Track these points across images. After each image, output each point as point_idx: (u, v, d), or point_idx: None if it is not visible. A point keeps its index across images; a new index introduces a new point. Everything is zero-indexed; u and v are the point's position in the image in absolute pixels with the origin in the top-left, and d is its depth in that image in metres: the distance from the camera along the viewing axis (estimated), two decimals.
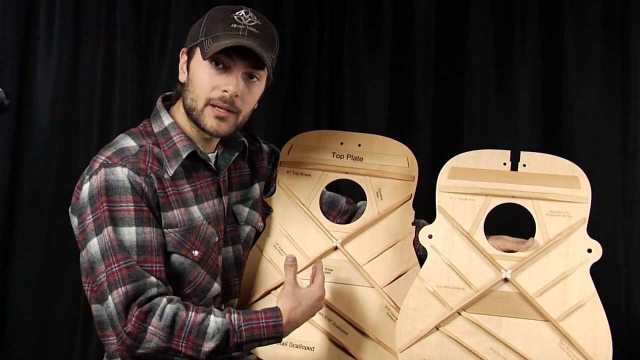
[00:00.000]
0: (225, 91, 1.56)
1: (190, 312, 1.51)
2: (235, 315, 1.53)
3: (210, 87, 1.57)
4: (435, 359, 1.61)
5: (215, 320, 1.51)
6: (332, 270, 1.76)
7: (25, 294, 2.56)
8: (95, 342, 2.56)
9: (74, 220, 1.62)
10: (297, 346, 1.74)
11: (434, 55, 2.68)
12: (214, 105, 1.57)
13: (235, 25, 1.55)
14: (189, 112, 1.61)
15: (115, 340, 1.57)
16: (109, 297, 1.50)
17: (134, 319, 1.48)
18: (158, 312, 1.49)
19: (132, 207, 1.52)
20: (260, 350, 1.73)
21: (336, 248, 1.77)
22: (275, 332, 1.54)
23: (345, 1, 2.70)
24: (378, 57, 2.69)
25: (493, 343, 1.60)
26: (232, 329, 1.51)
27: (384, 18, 2.68)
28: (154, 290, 1.50)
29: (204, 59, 1.55)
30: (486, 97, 2.63)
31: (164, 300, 1.50)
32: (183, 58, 1.64)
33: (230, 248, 1.73)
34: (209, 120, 1.58)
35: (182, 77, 1.63)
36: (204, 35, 1.56)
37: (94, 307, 1.64)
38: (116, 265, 1.50)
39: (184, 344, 1.49)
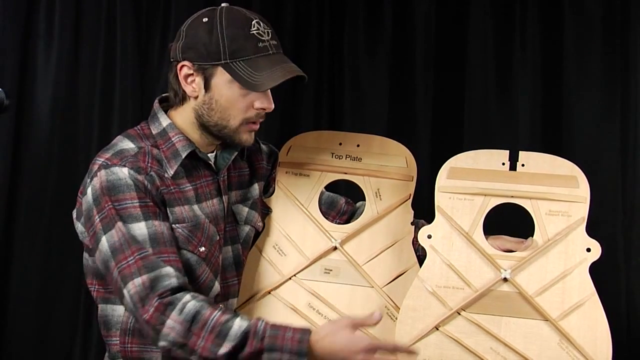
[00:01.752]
0: (263, 109, 1.59)
1: (215, 312, 1.45)
2: (264, 323, 1.44)
3: (245, 107, 1.58)
4: (435, 359, 1.61)
5: (240, 324, 1.43)
6: (331, 270, 1.76)
7: (26, 293, 2.56)
8: (95, 342, 2.56)
9: (79, 227, 1.60)
10: None
11: (434, 55, 2.68)
12: (250, 123, 1.61)
13: (261, 44, 1.55)
14: (214, 129, 1.61)
15: (118, 341, 1.57)
16: (124, 290, 1.47)
17: (152, 309, 1.45)
18: (179, 306, 1.45)
19: (137, 204, 1.51)
20: None
21: (335, 248, 1.77)
22: (300, 348, 1.42)
23: (345, 1, 2.70)
24: (378, 57, 2.69)
25: (493, 343, 1.60)
26: (253, 331, 1.43)
27: (384, 18, 2.68)
28: (173, 282, 1.47)
29: (256, 90, 1.54)
30: (486, 97, 2.63)
31: (187, 296, 1.46)
32: (183, 71, 1.58)
33: (229, 248, 1.72)
34: (245, 135, 1.62)
35: (192, 91, 1.59)
36: (230, 58, 1.53)
37: (101, 308, 1.63)
38: (131, 258, 1.48)
39: (202, 344, 1.43)
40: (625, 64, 2.55)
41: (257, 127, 1.63)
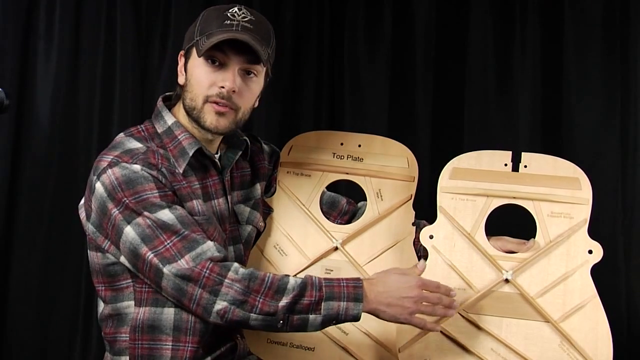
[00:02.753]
0: (222, 87, 1.56)
1: (268, 273, 1.49)
2: (317, 277, 1.50)
3: (207, 84, 1.57)
4: (436, 359, 1.61)
5: (295, 279, 1.49)
6: (332, 270, 1.76)
7: (25, 293, 2.56)
8: (95, 342, 2.56)
9: (90, 227, 1.59)
10: (298, 346, 1.74)
11: (434, 55, 2.68)
12: (212, 102, 1.58)
13: (228, 21, 1.56)
14: (189, 112, 1.61)
15: (128, 338, 1.58)
16: (166, 269, 1.47)
17: (207, 271, 1.46)
18: (233, 268, 1.47)
19: (157, 194, 1.51)
20: (260, 350, 1.74)
21: (336, 248, 1.77)
22: (356, 294, 1.48)
23: (345, 1, 2.70)
24: (378, 57, 2.69)
25: (494, 343, 1.60)
26: (310, 282, 1.48)
27: (384, 18, 2.67)
28: (218, 253, 1.49)
29: (199, 56, 1.55)
30: (486, 97, 2.63)
31: (236, 264, 1.49)
32: (181, 61, 1.64)
33: (231, 248, 1.72)
34: (209, 116, 1.59)
35: (181, 79, 1.64)
36: (199, 35, 1.57)
37: (111, 306, 1.62)
38: (169, 241, 1.48)
39: (261, 299, 1.46)
40: (625, 64, 2.55)
41: (221, 109, 1.58)
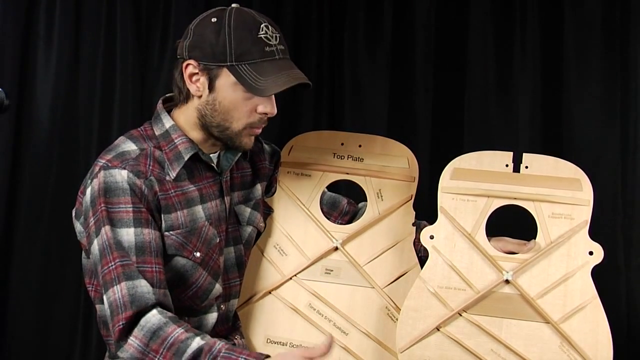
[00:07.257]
0: (265, 114, 1.58)
1: (177, 329, 1.45)
2: (221, 344, 1.44)
3: (249, 111, 1.57)
4: (436, 359, 1.61)
5: (198, 342, 1.43)
6: (332, 270, 1.76)
7: (25, 293, 2.56)
8: (95, 342, 2.56)
9: (78, 226, 1.62)
10: (297, 347, 1.74)
11: (434, 55, 2.68)
12: (253, 128, 1.60)
13: (268, 48, 1.54)
14: (216, 129, 1.60)
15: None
16: (105, 297, 1.50)
17: (123, 322, 1.46)
18: (142, 322, 1.46)
19: (131, 209, 1.52)
20: (260, 350, 1.73)
21: (336, 248, 1.77)
22: None
23: (346, 1, 2.69)
24: (378, 57, 2.69)
25: (494, 344, 1.60)
26: (207, 350, 1.42)
27: (384, 18, 2.67)
28: (149, 298, 1.47)
29: (260, 95, 1.53)
30: (486, 97, 2.63)
31: (154, 311, 1.47)
32: (188, 70, 1.57)
33: (231, 248, 1.72)
34: (246, 139, 1.61)
35: (196, 91, 1.58)
36: (236, 60, 1.53)
37: (99, 308, 1.64)
38: (112, 264, 1.49)
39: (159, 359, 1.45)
40: (625, 64, 2.55)
41: (259, 131, 1.62)
